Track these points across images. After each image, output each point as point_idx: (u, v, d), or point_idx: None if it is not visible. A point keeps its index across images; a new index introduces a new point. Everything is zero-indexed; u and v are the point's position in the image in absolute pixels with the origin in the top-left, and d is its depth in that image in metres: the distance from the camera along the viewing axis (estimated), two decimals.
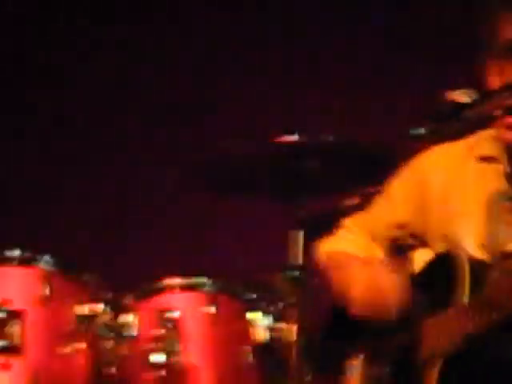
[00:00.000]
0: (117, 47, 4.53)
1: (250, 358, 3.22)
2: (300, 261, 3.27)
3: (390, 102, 4.11)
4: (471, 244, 2.56)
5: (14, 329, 2.78)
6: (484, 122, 2.52)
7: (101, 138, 4.48)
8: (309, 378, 3.14)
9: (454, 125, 2.36)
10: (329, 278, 2.70)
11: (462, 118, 2.32)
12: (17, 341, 2.78)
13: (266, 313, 3.28)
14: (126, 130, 4.52)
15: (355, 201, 3.14)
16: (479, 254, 2.52)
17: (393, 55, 4.23)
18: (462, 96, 2.34)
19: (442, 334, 2.48)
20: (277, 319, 3.28)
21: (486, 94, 2.38)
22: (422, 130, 2.35)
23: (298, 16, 4.52)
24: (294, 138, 3.18)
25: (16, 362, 2.98)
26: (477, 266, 2.49)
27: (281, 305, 3.27)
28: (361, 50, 4.37)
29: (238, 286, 3.31)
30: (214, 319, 3.17)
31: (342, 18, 4.44)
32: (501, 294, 2.37)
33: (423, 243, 2.69)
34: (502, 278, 2.41)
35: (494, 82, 2.46)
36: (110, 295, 3.19)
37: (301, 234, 3.24)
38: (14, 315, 2.78)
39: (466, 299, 2.43)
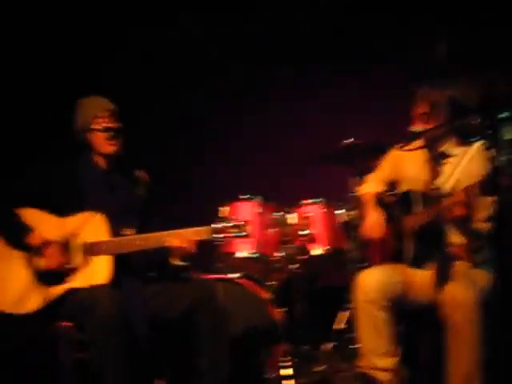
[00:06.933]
0: None
1: (339, 227, 5.33)
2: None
3: (393, 122, 4.81)
4: (418, 183, 4.17)
5: (248, 228, 3.93)
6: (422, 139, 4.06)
7: None
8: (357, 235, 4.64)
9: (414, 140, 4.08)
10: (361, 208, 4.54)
11: (417, 137, 4.06)
12: (249, 231, 3.92)
13: (343, 209, 5.34)
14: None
15: (375, 167, 4.57)
16: (421, 188, 4.15)
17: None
18: (415, 129, 4.09)
19: (412, 221, 4.12)
20: (347, 211, 5.31)
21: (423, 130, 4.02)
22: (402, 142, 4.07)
23: None
24: (351, 141, 5.19)
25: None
26: (425, 194, 4.11)
27: (349, 206, 5.27)
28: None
29: (333, 201, 5.38)
30: (324, 214, 5.32)
31: None
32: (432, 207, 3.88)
33: (400, 183, 4.36)
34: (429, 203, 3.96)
35: (418, 124, 4.11)
36: (281, 208, 5.18)
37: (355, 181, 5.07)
38: (248, 222, 3.95)
39: (420, 208, 4.08)
